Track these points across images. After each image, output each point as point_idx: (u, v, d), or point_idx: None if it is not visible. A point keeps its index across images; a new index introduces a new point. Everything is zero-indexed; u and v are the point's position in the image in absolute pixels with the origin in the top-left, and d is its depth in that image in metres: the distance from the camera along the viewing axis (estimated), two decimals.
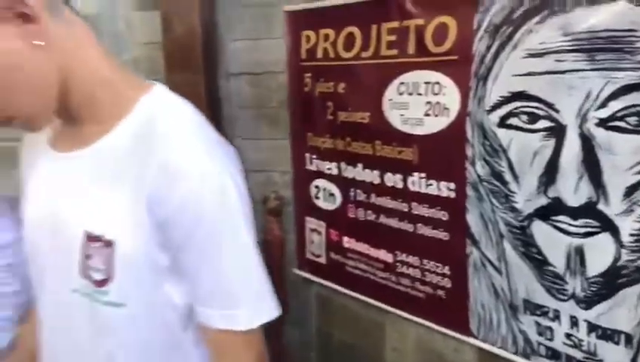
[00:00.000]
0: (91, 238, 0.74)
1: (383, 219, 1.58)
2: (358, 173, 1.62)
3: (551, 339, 1.25)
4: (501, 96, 1.24)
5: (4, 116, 0.71)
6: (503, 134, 1.25)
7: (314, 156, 1.77)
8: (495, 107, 1.25)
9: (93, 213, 0.75)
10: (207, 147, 0.75)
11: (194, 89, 1.82)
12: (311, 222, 1.85)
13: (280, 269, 1.93)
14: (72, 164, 0.78)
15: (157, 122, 0.75)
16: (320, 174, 1.76)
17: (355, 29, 1.54)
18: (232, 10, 1.86)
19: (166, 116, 0.76)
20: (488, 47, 1.25)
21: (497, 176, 1.28)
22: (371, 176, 1.58)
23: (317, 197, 1.79)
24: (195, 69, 1.84)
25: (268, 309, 0.78)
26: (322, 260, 1.83)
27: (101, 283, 0.75)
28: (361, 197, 1.63)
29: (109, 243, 0.74)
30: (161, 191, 0.72)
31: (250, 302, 0.77)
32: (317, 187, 1.78)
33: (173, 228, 0.73)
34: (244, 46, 1.88)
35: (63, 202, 0.78)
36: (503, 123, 1.24)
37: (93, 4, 1.99)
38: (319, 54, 1.66)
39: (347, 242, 1.72)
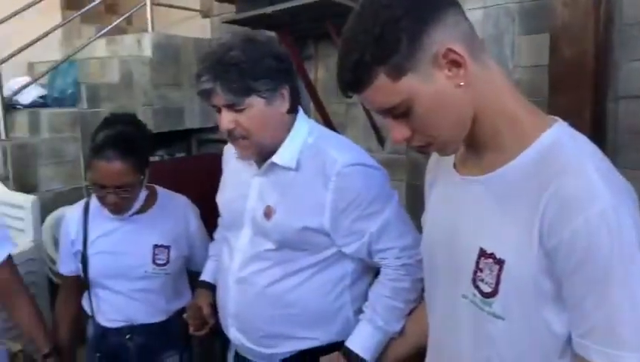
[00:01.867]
0: (484, 254, 0.84)
1: None
2: None
3: None
4: None
5: (425, 142, 0.88)
6: None
7: None
8: None
9: (488, 232, 0.85)
10: (606, 181, 0.75)
11: (578, 111, 1.78)
12: None
13: None
14: (472, 186, 0.89)
15: (557, 153, 0.79)
16: None
17: None
18: (631, 29, 1.73)
19: (566, 148, 0.80)
20: None
21: None
22: None
23: None
24: (582, 91, 1.79)
25: None
26: None
27: (487, 294, 0.84)
28: None
29: (499, 262, 0.82)
30: (555, 220, 0.75)
31: (637, 348, 0.73)
32: None
33: (562, 257, 0.76)
34: None
35: (461, 219, 0.90)
36: None
37: (479, 29, 2.14)
38: None
39: None
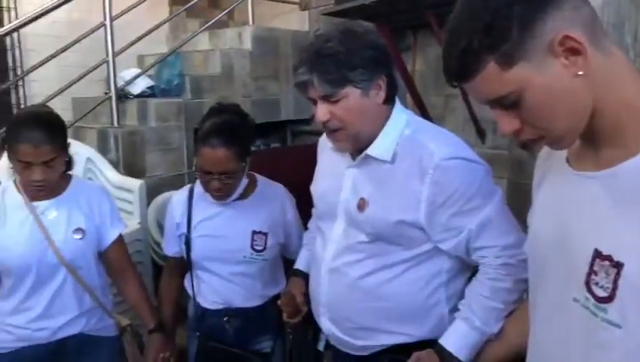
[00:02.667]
0: (600, 256, 0.77)
1: None
2: None
3: None
4: None
5: (536, 135, 0.82)
6: None
7: None
8: None
9: (604, 232, 0.78)
10: None
11: None
12: None
13: None
14: (587, 182, 0.83)
15: None
16: None
17: None
18: None
19: None
20: None
21: None
22: None
23: None
24: None
25: None
26: None
27: (602, 299, 0.78)
28: None
29: (616, 265, 0.75)
30: None
31: None
32: None
33: None
34: None
35: (573, 217, 0.84)
36: None
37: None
38: None
39: None
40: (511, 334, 1.21)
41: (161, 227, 2.81)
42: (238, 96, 3.65)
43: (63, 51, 3.07)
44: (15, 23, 2.77)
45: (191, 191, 1.76)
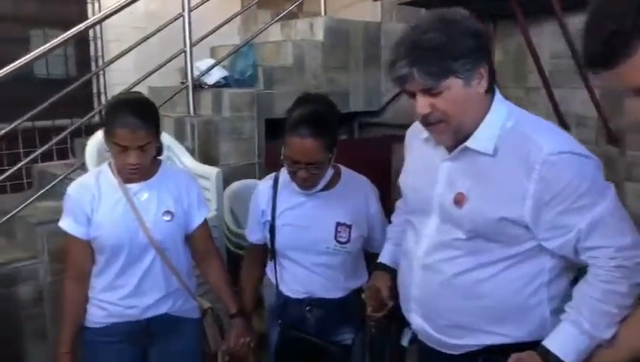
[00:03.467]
0: None
1: None
2: None
3: None
4: None
5: None
6: None
7: None
8: None
9: None
10: None
11: None
12: None
13: None
14: None
15: None
16: None
17: None
18: None
19: None
20: None
21: None
22: None
23: None
24: None
25: None
26: None
27: None
28: None
29: None
30: None
31: None
32: None
33: None
34: None
35: None
36: None
37: None
38: None
39: None
40: (625, 340, 1.14)
41: (233, 215, 2.86)
42: (309, 87, 3.65)
43: (143, 41, 3.17)
44: (99, 15, 2.87)
45: (276, 180, 1.76)
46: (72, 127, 3.11)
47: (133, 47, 3.15)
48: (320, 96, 1.69)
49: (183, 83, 3.39)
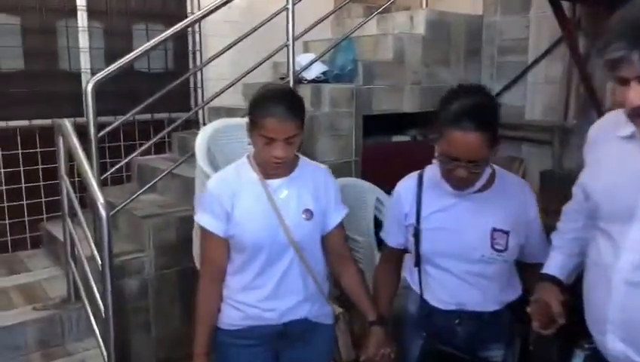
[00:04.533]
0: None
1: None
2: None
3: None
4: None
5: None
6: None
7: None
8: None
9: None
10: None
11: None
12: None
13: None
14: None
15: None
16: None
17: None
18: None
19: None
20: None
21: None
22: None
23: None
24: None
25: None
26: None
27: None
28: None
29: None
30: None
31: None
32: None
33: None
34: None
35: None
36: None
37: None
38: None
39: None
40: None
41: None
42: (408, 82, 3.52)
43: (245, 37, 3.11)
44: (202, 11, 2.82)
45: (420, 178, 1.63)
46: (180, 121, 3.10)
47: (236, 43, 3.10)
48: (477, 87, 1.53)
49: (282, 78, 3.32)
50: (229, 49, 3.11)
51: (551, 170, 3.31)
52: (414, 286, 1.65)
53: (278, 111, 1.44)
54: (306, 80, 3.31)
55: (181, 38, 3.70)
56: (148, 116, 3.51)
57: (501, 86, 3.75)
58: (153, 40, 2.58)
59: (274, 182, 1.58)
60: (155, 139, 3.13)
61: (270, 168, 1.54)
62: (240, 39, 3.12)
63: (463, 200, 1.54)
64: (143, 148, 3.04)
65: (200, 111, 3.69)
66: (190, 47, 3.78)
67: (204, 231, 1.59)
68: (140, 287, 2.74)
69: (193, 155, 2.66)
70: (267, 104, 1.46)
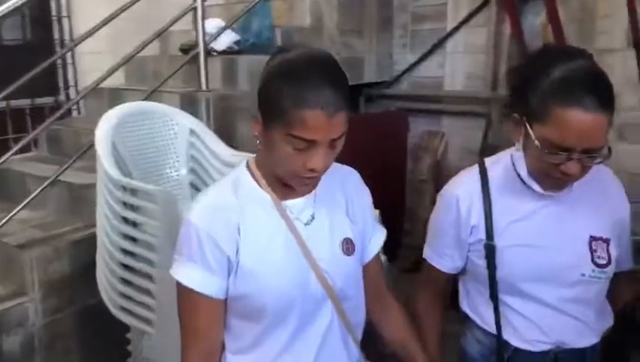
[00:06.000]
0: None
1: None
2: None
3: None
4: None
5: None
6: None
7: None
8: None
9: None
10: None
11: None
12: None
13: None
14: None
15: None
16: None
17: None
18: None
19: None
20: None
21: None
22: None
23: None
24: None
25: None
26: None
27: None
28: None
29: None
30: None
31: None
32: None
33: None
34: None
35: None
36: None
37: None
38: None
39: None
40: None
41: None
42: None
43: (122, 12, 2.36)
44: None
45: (484, 177, 1.20)
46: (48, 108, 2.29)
47: (124, 9, 2.34)
48: (575, 48, 1.12)
49: (185, 50, 2.67)
50: (111, 18, 2.32)
51: (492, 143, 3.10)
52: (484, 324, 1.23)
53: (324, 99, 0.89)
54: (215, 51, 2.69)
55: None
56: (2, 104, 2.59)
57: (416, 57, 3.47)
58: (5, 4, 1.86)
59: (295, 204, 1.04)
60: (13, 135, 2.29)
61: (298, 183, 1.00)
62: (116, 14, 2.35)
63: (549, 204, 1.15)
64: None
65: (73, 95, 2.86)
66: (54, 12, 2.89)
67: (187, 292, 1.00)
68: (23, 344, 1.99)
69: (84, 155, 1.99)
70: (307, 86, 0.90)
